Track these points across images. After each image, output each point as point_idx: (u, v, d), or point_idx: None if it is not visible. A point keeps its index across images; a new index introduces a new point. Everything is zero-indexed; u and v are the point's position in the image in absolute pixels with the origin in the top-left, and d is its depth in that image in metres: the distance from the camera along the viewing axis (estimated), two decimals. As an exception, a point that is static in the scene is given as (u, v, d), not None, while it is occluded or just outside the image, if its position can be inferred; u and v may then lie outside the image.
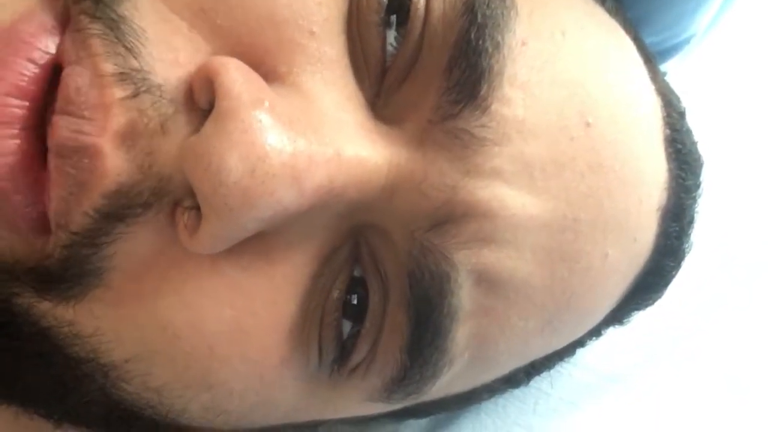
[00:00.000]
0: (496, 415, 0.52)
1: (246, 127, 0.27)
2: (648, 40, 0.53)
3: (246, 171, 0.27)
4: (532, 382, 0.51)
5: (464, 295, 0.33)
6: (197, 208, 0.28)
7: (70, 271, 0.29)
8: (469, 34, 0.31)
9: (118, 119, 0.27)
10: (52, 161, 0.28)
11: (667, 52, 0.57)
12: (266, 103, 0.28)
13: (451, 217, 0.31)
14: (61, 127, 0.27)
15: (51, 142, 0.27)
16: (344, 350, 0.34)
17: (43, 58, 0.28)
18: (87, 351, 0.31)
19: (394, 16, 0.32)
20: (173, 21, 0.29)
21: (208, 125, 0.27)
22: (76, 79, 0.27)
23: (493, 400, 0.51)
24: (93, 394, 0.32)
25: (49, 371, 0.32)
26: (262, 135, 0.27)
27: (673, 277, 0.42)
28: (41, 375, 0.32)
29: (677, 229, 0.40)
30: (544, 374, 0.47)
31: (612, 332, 0.46)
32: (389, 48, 0.32)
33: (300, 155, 0.28)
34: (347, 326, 0.34)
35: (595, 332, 0.44)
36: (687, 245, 0.42)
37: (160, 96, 0.28)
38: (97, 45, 0.27)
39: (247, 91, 0.27)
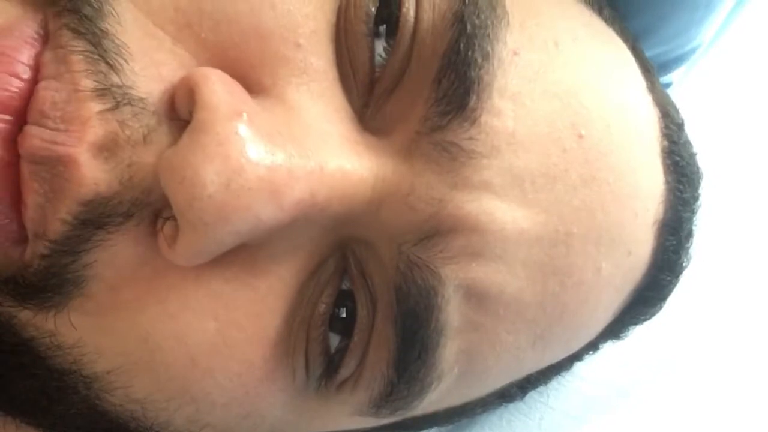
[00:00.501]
0: (500, 431, 0.51)
1: (222, 139, 0.27)
2: (654, 50, 0.53)
3: (221, 185, 0.27)
4: (536, 397, 0.51)
5: (452, 311, 0.32)
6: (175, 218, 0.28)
7: (50, 281, 0.29)
8: (459, 45, 0.30)
9: (96, 131, 0.27)
10: (26, 168, 0.28)
11: (673, 63, 0.57)
12: (245, 116, 0.27)
13: (439, 231, 0.31)
14: (34, 137, 0.27)
15: (23, 151, 0.27)
16: (332, 364, 0.34)
17: (26, 72, 0.27)
18: (69, 362, 0.31)
19: (384, 26, 0.32)
20: (157, 36, 0.29)
21: (185, 137, 0.27)
22: (52, 93, 0.27)
23: (498, 414, 0.51)
24: (77, 406, 0.32)
25: (32, 383, 0.32)
26: (238, 148, 0.27)
27: (671, 291, 0.41)
28: (25, 386, 0.32)
29: (674, 242, 0.39)
30: (543, 388, 0.47)
31: (618, 346, 0.45)
32: (378, 59, 0.32)
33: (278, 169, 0.28)
34: (336, 340, 0.34)
35: (592, 346, 0.43)
36: (685, 259, 0.41)
37: (143, 108, 0.28)
38: (78, 62, 0.27)
39: (225, 102, 0.27)
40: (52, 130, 0.27)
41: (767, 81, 0.66)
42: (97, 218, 0.28)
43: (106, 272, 0.29)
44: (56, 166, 0.27)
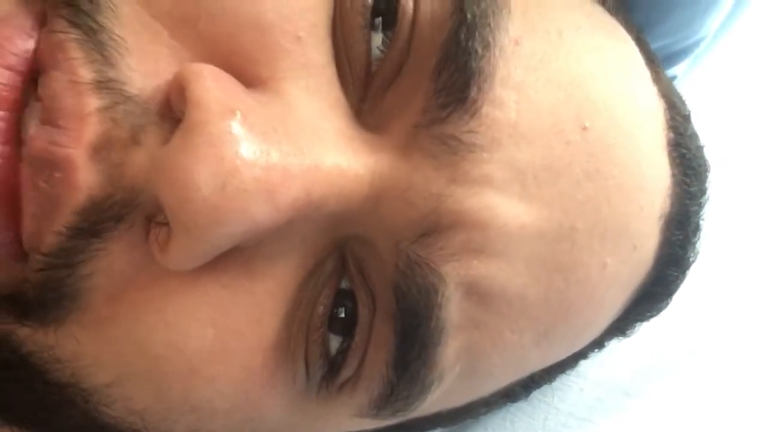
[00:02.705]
0: (503, 432, 0.51)
1: (215, 140, 0.26)
2: (658, 42, 0.52)
3: (216, 187, 0.26)
4: (540, 397, 0.50)
5: (453, 309, 0.31)
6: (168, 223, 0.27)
7: (48, 295, 0.28)
8: (459, 35, 0.30)
9: (93, 129, 0.27)
10: (25, 173, 0.27)
11: (678, 55, 0.56)
12: (238, 114, 0.27)
13: (438, 228, 0.30)
14: (38, 138, 0.27)
15: (26, 153, 0.27)
16: (333, 366, 0.33)
17: (21, 65, 0.27)
18: (67, 376, 0.30)
19: (380, 18, 0.31)
20: (154, 29, 0.28)
21: (177, 137, 0.27)
22: (53, 85, 0.27)
23: (500, 415, 0.50)
24: (77, 419, 0.32)
25: (30, 396, 0.31)
26: (233, 148, 0.26)
27: (678, 287, 0.41)
28: (23, 400, 0.31)
29: (681, 237, 0.38)
30: (548, 388, 0.46)
31: (624, 344, 0.45)
32: (377, 52, 0.31)
33: (274, 168, 0.27)
34: (336, 341, 0.33)
35: (598, 344, 0.42)
36: (692, 254, 0.40)
37: (135, 106, 0.27)
38: (74, 49, 0.27)
39: (218, 100, 0.26)
40: (53, 126, 0.27)
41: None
42: (91, 226, 0.27)
43: (104, 283, 0.29)
44: (53, 173, 0.27)
